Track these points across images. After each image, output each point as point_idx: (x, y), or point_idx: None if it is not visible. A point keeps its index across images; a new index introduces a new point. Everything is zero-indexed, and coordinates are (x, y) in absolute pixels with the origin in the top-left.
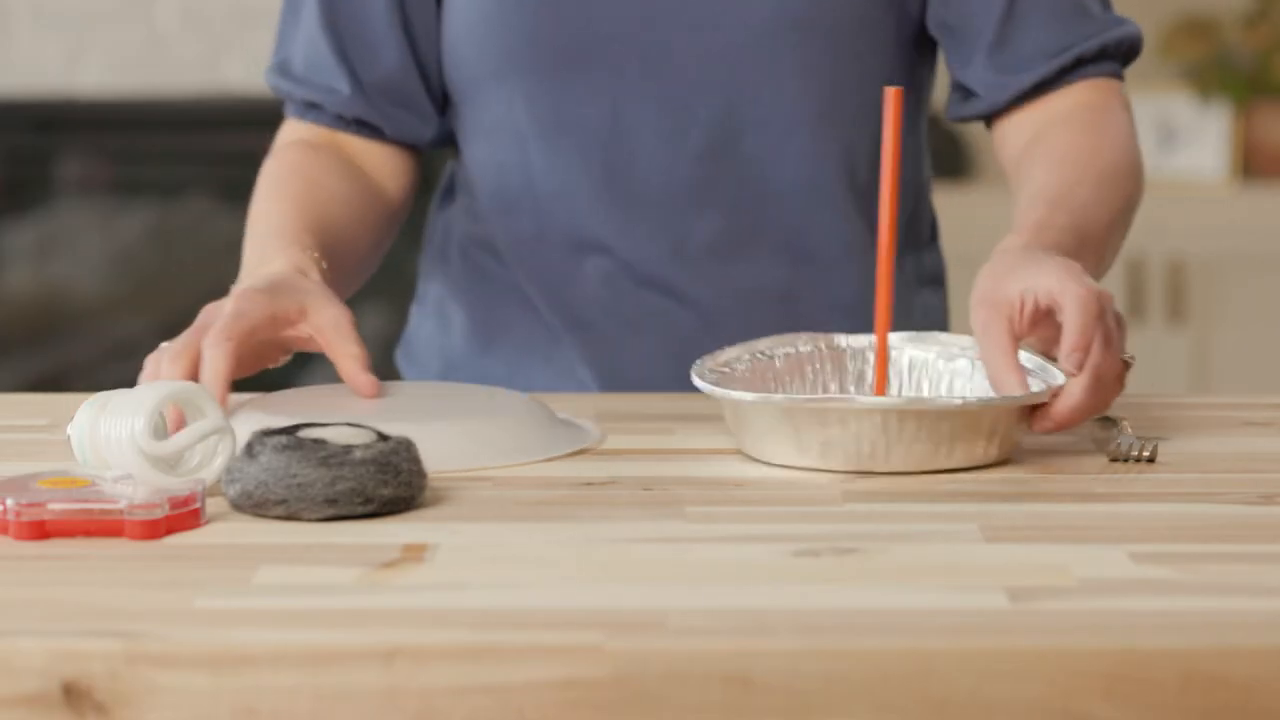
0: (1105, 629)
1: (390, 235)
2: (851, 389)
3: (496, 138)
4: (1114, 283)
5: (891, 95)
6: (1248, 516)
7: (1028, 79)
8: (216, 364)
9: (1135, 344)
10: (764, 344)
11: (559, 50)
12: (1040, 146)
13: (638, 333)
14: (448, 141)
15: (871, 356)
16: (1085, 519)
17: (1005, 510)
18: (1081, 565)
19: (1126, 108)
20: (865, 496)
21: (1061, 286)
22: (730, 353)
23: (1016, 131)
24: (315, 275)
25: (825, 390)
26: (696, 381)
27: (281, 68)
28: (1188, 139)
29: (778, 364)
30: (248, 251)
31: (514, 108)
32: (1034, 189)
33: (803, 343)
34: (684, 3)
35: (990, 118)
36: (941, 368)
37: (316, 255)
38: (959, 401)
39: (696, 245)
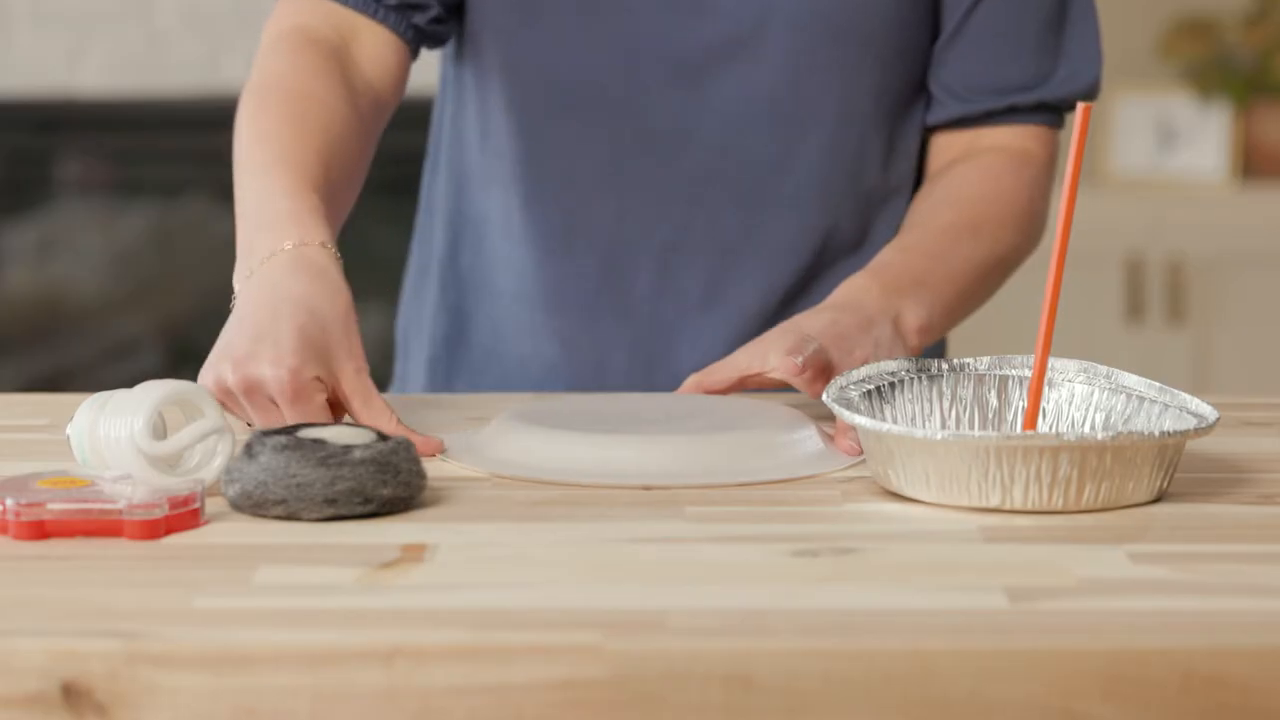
0: (1105, 629)
1: (376, 141)
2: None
3: (510, 90)
4: (1114, 283)
5: (1081, 110)
6: (1247, 516)
7: (955, 110)
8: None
9: (1135, 344)
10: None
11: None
12: (942, 180)
13: (617, 323)
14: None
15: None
16: (1085, 519)
17: (1005, 510)
18: (1081, 565)
19: (1048, 159)
20: (865, 496)
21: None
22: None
23: (939, 151)
24: (329, 257)
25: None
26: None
27: None
28: (1188, 139)
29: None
30: (249, 199)
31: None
32: (908, 225)
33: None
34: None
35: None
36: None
37: (323, 209)
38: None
39: (692, 242)
